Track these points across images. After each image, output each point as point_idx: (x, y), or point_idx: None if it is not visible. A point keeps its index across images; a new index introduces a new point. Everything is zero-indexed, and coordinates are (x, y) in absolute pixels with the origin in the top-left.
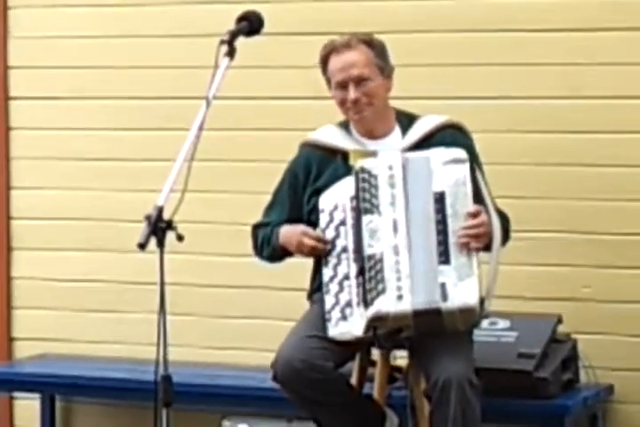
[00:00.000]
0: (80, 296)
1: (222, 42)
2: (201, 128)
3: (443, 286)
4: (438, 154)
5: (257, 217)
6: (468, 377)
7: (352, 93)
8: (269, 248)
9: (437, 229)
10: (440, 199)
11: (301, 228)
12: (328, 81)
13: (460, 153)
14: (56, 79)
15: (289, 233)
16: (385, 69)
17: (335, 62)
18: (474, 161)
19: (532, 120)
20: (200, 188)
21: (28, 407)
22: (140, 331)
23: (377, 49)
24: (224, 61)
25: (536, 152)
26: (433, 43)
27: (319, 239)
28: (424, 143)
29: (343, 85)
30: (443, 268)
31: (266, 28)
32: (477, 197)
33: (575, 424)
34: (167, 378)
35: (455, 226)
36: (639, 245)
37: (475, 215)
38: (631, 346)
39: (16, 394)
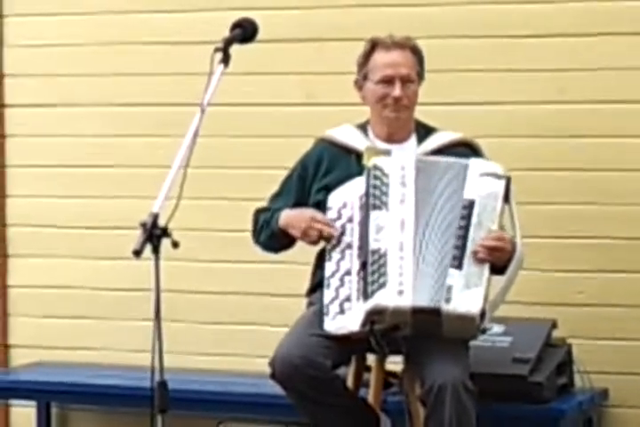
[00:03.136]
0: (75, 303)
1: (217, 49)
2: (196, 135)
3: (449, 288)
4: (479, 164)
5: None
6: (463, 382)
7: (398, 90)
8: (268, 230)
9: (457, 234)
10: (469, 206)
11: (310, 211)
12: (364, 76)
13: (500, 170)
14: (50, 87)
15: (294, 216)
16: (421, 78)
17: (383, 57)
18: None
19: (522, 125)
20: (195, 195)
21: (24, 415)
22: (136, 338)
23: (419, 57)
24: (219, 68)
25: (528, 157)
26: (424, 49)
27: (328, 224)
28: (436, 155)
29: (388, 81)
30: (453, 272)
31: (260, 35)
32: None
33: None
34: (163, 384)
35: (476, 236)
36: (633, 250)
37: (497, 233)
38: (626, 350)
39: (12, 402)
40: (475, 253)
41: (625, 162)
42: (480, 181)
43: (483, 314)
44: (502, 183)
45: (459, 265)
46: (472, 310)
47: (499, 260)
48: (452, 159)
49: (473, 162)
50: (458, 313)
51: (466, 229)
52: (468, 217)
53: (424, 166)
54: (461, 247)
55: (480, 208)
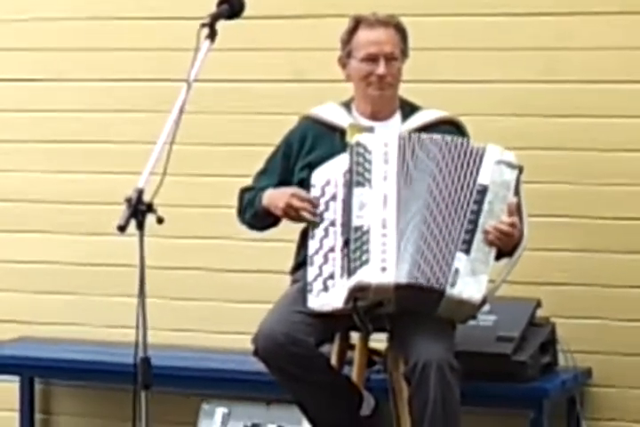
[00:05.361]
0: (59, 279)
1: (203, 25)
2: (181, 111)
3: (456, 271)
4: (495, 151)
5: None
6: (448, 360)
7: (382, 68)
8: (252, 209)
9: (469, 219)
10: (482, 192)
11: (292, 189)
12: (348, 53)
13: (514, 159)
14: (33, 61)
15: (276, 195)
16: (405, 56)
17: (367, 35)
18: None
19: (508, 104)
20: (181, 171)
21: (7, 390)
22: (120, 314)
23: (403, 35)
24: (205, 44)
25: (513, 136)
26: (411, 27)
27: (309, 201)
28: (420, 133)
29: (372, 59)
30: (460, 255)
31: (248, 12)
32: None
33: (553, 407)
34: (146, 360)
35: (486, 223)
36: (618, 229)
37: (510, 219)
38: (609, 330)
39: None
40: (486, 233)
41: (611, 142)
42: (495, 168)
43: (483, 302)
44: (515, 173)
45: (467, 249)
46: (475, 296)
47: (505, 246)
48: (459, 139)
49: (490, 148)
50: (461, 298)
51: (477, 214)
52: (480, 202)
53: (422, 144)
54: (471, 231)
55: (492, 195)
